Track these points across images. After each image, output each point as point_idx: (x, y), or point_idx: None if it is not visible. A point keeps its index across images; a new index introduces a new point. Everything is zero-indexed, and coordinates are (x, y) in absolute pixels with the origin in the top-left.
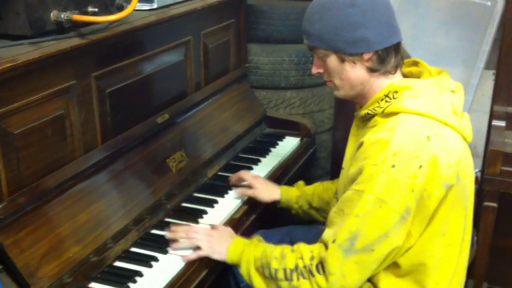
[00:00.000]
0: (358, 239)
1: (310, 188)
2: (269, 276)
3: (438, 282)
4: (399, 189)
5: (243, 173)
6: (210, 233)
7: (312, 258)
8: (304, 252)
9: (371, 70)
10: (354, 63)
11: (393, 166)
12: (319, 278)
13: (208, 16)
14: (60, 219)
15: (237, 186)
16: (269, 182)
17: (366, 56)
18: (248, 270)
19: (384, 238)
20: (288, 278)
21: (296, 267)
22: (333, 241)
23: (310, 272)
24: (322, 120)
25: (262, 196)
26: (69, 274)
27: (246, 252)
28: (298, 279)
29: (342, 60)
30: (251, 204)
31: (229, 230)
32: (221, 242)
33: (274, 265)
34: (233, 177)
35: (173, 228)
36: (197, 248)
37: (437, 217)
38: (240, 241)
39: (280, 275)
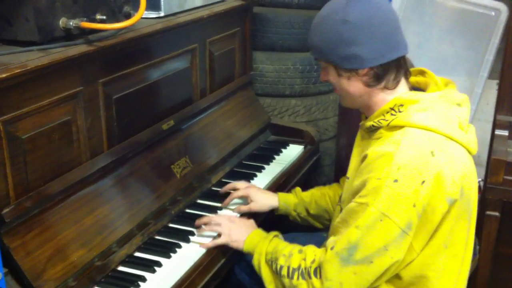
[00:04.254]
0: (358, 251)
1: (307, 195)
2: (275, 271)
3: None
4: (401, 204)
5: (237, 184)
6: (232, 220)
7: (313, 261)
8: (308, 254)
9: (368, 85)
10: (349, 78)
11: (395, 180)
12: (315, 281)
13: (214, 24)
14: (65, 222)
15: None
16: (264, 190)
17: (361, 72)
18: (259, 261)
19: (384, 251)
20: (289, 276)
21: (299, 267)
22: (332, 248)
23: (308, 274)
24: (326, 128)
25: (258, 207)
26: (74, 277)
27: (261, 245)
28: (298, 278)
29: (339, 74)
30: (253, 212)
31: (251, 221)
32: (240, 231)
33: (281, 261)
34: (225, 188)
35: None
36: (217, 236)
37: (440, 231)
38: (258, 233)
39: (284, 272)
